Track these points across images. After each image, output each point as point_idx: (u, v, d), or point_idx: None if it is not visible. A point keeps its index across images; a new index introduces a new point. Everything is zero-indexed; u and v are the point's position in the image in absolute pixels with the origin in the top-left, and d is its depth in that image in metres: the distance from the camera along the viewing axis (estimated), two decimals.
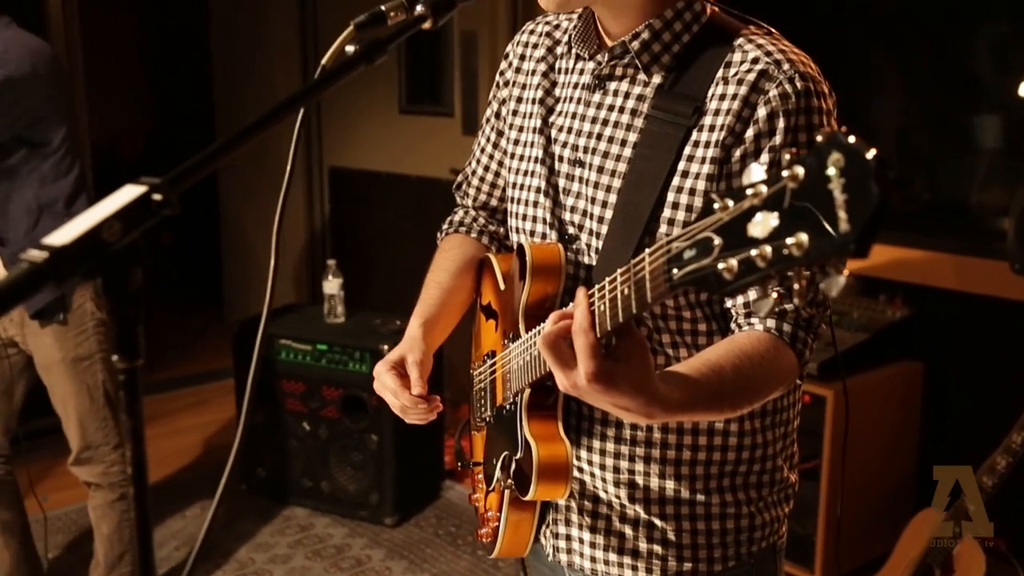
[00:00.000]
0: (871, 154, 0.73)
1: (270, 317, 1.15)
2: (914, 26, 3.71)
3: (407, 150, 4.74)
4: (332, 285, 3.80)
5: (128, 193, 0.80)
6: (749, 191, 0.81)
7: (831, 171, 0.74)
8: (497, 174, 1.62)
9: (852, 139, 0.73)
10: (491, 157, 1.62)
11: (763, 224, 0.80)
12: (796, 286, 0.80)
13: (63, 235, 0.75)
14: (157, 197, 0.79)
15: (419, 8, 1.12)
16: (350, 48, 1.10)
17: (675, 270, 0.90)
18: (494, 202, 1.66)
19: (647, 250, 0.96)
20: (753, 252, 0.80)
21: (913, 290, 3.41)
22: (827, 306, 1.30)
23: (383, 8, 1.13)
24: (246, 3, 5.46)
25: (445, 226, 1.69)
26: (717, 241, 0.84)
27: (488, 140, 1.61)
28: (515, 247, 1.42)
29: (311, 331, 3.77)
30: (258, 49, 5.40)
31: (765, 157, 1.24)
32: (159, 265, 6.00)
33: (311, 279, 5.26)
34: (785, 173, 0.77)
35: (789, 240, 0.77)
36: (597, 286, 1.07)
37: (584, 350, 1.05)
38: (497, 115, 1.58)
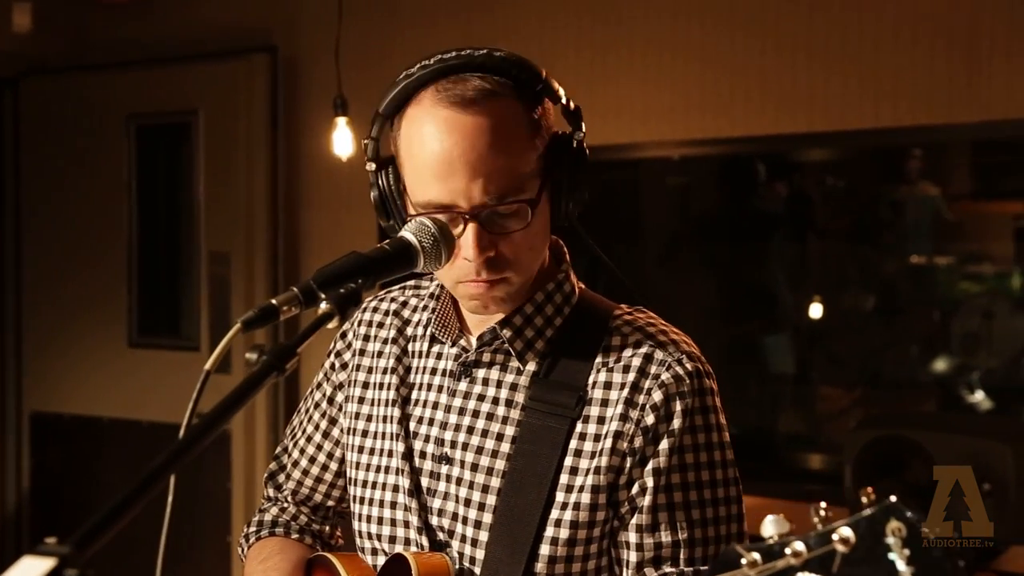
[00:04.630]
0: (920, 520, 0.73)
1: None
2: (701, 245, 3.73)
3: (139, 391, 4.20)
4: None
5: (31, 571, 0.64)
6: (787, 550, 0.78)
7: (891, 539, 0.73)
8: (325, 467, 1.48)
9: (908, 510, 0.74)
10: (319, 448, 1.47)
11: None
12: None
13: None
14: (71, 573, 0.69)
15: (324, 305, 1.05)
16: (251, 355, 0.99)
17: None
18: (319, 497, 1.51)
19: None
20: None
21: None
22: None
23: (275, 302, 1.04)
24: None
25: (251, 528, 1.50)
26: None
27: (316, 428, 1.47)
28: (389, 555, 1.29)
29: None
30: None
31: (664, 443, 1.19)
32: None
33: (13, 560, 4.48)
34: (834, 536, 0.75)
35: None
36: None
37: None
38: (330, 401, 1.45)
